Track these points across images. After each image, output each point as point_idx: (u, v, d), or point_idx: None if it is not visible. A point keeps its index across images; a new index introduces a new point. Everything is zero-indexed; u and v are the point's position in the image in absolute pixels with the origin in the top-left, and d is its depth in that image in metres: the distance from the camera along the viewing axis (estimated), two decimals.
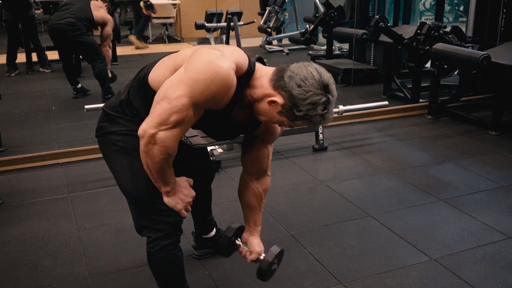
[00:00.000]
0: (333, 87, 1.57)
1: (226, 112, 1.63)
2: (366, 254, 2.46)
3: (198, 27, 6.81)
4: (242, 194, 2.00)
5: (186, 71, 1.54)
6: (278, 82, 1.57)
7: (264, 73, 1.64)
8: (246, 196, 1.99)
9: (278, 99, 1.57)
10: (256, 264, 1.92)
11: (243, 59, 1.60)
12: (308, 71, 1.55)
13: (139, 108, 1.71)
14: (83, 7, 4.83)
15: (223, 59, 1.53)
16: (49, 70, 6.22)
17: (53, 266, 2.37)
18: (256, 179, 1.97)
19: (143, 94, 1.70)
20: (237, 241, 1.99)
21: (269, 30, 7.31)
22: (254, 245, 1.95)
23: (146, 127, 1.54)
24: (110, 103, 1.81)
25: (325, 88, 1.54)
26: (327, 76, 1.56)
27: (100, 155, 3.67)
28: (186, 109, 1.53)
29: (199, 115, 1.58)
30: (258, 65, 1.66)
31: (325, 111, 1.55)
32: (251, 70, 1.62)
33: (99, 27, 5.05)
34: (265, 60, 1.75)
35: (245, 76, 1.61)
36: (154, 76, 1.68)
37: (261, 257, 1.91)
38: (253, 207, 1.98)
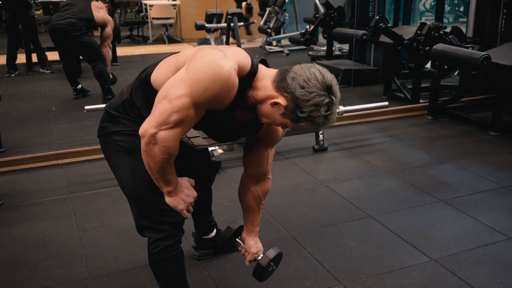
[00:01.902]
0: (336, 88, 1.56)
1: (227, 113, 1.63)
2: (366, 255, 2.46)
3: (198, 27, 6.82)
4: (242, 195, 2.01)
5: (188, 71, 1.54)
6: (281, 84, 1.56)
7: (266, 74, 1.63)
8: (245, 198, 1.99)
9: (281, 100, 1.56)
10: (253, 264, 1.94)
11: (245, 60, 1.59)
12: (311, 72, 1.54)
13: (141, 108, 1.71)
14: (83, 8, 4.83)
15: (225, 60, 1.52)
16: (49, 71, 6.22)
17: (53, 267, 2.37)
18: (255, 182, 1.97)
19: (145, 94, 1.70)
20: (237, 239, 2.02)
21: (269, 30, 7.32)
22: (250, 246, 1.97)
23: (147, 126, 1.54)
24: (112, 103, 1.81)
25: (328, 89, 1.53)
26: (330, 77, 1.55)
27: (100, 156, 3.68)
28: (187, 109, 1.52)
29: (200, 115, 1.58)
30: (261, 67, 1.66)
31: (329, 112, 1.54)
32: (253, 71, 1.61)
33: (99, 28, 5.05)
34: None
35: (248, 77, 1.60)
36: (156, 76, 1.68)
37: (259, 258, 1.93)
38: (251, 208, 1.99)
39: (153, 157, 1.57)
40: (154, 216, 1.73)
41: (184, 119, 1.54)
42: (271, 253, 1.90)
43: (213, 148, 3.49)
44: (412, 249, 2.51)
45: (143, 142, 1.57)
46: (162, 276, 1.85)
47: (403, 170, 3.47)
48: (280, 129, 1.87)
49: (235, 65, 1.53)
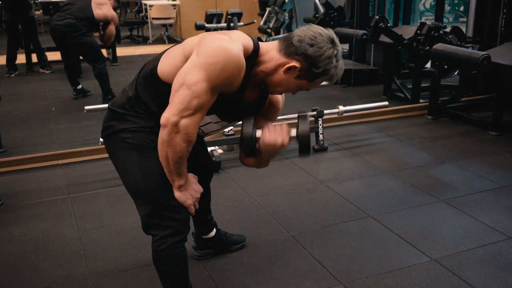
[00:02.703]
0: (337, 40, 1.68)
1: (239, 94, 1.68)
2: (366, 255, 2.46)
3: (198, 27, 6.80)
4: None
5: (199, 57, 1.58)
6: (288, 49, 1.65)
7: (269, 47, 1.71)
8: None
9: (295, 63, 1.64)
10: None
11: (248, 41, 1.67)
12: (314, 31, 1.64)
13: (149, 103, 1.72)
14: (83, 7, 4.80)
15: (232, 42, 1.59)
16: (49, 71, 6.22)
17: (53, 267, 2.37)
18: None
19: (151, 88, 1.72)
20: (257, 134, 1.80)
21: (269, 30, 7.31)
22: (276, 126, 1.82)
23: (168, 115, 1.57)
24: (117, 102, 1.81)
25: (332, 41, 1.65)
26: (330, 31, 1.67)
27: (101, 156, 3.69)
28: (206, 93, 1.57)
29: (214, 99, 1.63)
30: (261, 43, 1.73)
31: (338, 62, 1.67)
32: (256, 49, 1.68)
33: (100, 29, 5.03)
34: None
35: (252, 56, 1.67)
36: (164, 67, 1.69)
37: (292, 134, 1.81)
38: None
39: (174, 146, 1.60)
40: (163, 212, 1.74)
41: (203, 104, 1.58)
42: (303, 117, 1.81)
43: (213, 148, 3.49)
44: (412, 249, 2.51)
45: (164, 132, 1.59)
46: (167, 273, 1.85)
47: (403, 170, 3.47)
48: (279, 100, 1.92)
49: (241, 47, 1.61)
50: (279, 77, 1.69)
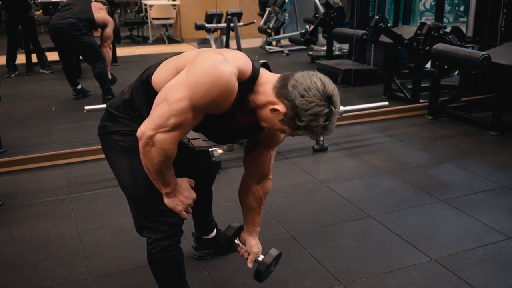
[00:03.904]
0: (337, 98, 1.55)
1: (228, 117, 1.63)
2: (366, 255, 2.46)
3: (198, 28, 6.81)
4: (243, 195, 2.00)
5: (188, 74, 1.54)
6: (281, 90, 1.55)
7: (268, 79, 1.62)
8: (246, 198, 1.99)
9: (281, 107, 1.55)
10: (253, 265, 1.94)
11: (246, 64, 1.58)
12: (312, 81, 1.53)
13: (141, 109, 1.71)
14: (84, 8, 4.83)
15: (225, 64, 1.52)
16: (49, 71, 6.22)
17: (53, 267, 2.37)
18: (257, 182, 1.96)
19: (145, 95, 1.70)
20: (236, 241, 2.01)
21: (269, 30, 7.31)
22: (252, 246, 1.96)
23: (144, 128, 1.54)
24: (114, 103, 1.81)
25: (328, 99, 1.52)
26: (332, 87, 1.54)
27: (100, 156, 3.68)
28: (186, 112, 1.52)
29: (199, 119, 1.58)
30: (262, 71, 1.65)
31: (327, 122, 1.53)
32: (254, 76, 1.61)
33: (99, 29, 5.05)
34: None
35: (249, 82, 1.60)
36: (157, 78, 1.68)
37: (259, 259, 1.93)
38: (252, 208, 1.98)
39: (150, 159, 1.57)
40: (152, 217, 1.73)
41: (182, 122, 1.53)
42: (274, 252, 1.89)
43: (213, 148, 3.48)
44: (412, 249, 2.50)
45: (140, 144, 1.56)
46: (161, 276, 1.85)
47: (403, 170, 3.47)
48: (281, 136, 1.88)
49: (235, 70, 1.53)
50: (265, 113, 1.60)
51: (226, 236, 1.99)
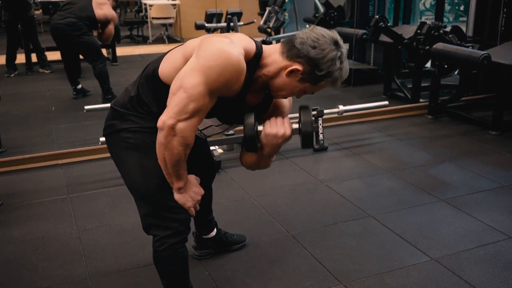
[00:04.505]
0: (341, 41, 1.65)
1: (240, 97, 1.67)
2: (367, 254, 2.46)
3: (198, 27, 6.80)
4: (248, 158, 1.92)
5: (198, 59, 1.57)
6: (290, 52, 1.63)
7: (272, 50, 1.69)
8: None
9: (298, 66, 1.62)
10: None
11: (250, 44, 1.65)
12: (316, 33, 1.62)
13: (149, 104, 1.72)
14: (84, 6, 4.81)
15: (232, 46, 1.57)
16: (49, 71, 6.22)
17: (53, 267, 2.37)
18: None
19: (153, 89, 1.72)
20: (259, 128, 1.77)
21: (269, 30, 7.30)
22: (279, 118, 1.78)
23: (165, 118, 1.56)
24: (119, 101, 1.81)
25: (336, 43, 1.62)
26: (334, 33, 1.64)
27: (100, 156, 3.69)
28: (203, 96, 1.56)
29: (213, 102, 1.62)
30: (264, 46, 1.71)
31: (342, 64, 1.63)
32: (259, 52, 1.67)
33: (99, 29, 5.04)
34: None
35: (255, 59, 1.65)
36: (164, 69, 1.69)
37: (294, 125, 1.76)
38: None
39: (171, 149, 1.59)
40: (163, 213, 1.74)
41: (201, 107, 1.57)
42: (304, 113, 1.72)
43: (213, 148, 3.48)
44: (412, 249, 2.50)
45: (161, 135, 1.58)
46: (167, 273, 1.85)
47: (403, 169, 3.47)
48: (285, 104, 1.88)
49: (242, 50, 1.59)
50: (282, 80, 1.67)
51: (252, 125, 1.71)
